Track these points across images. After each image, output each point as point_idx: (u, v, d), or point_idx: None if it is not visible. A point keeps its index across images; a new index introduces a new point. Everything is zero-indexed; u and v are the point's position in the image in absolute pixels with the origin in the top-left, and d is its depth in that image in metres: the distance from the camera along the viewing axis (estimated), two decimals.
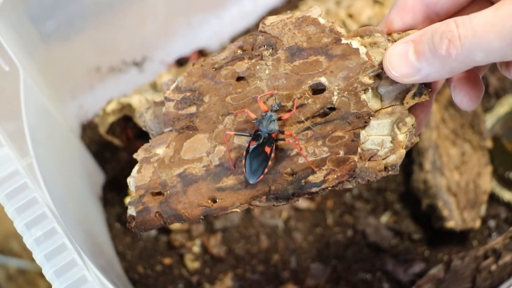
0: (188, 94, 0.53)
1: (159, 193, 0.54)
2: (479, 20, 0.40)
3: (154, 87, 0.86)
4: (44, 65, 0.77)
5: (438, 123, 0.85)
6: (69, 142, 0.83)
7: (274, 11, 1.00)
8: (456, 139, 0.86)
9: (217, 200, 0.52)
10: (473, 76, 0.49)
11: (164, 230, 0.86)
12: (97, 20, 0.84)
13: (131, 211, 0.54)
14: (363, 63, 0.49)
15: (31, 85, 0.66)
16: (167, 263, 0.84)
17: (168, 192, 0.53)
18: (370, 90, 0.49)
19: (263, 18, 0.57)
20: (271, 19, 0.52)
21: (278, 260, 0.83)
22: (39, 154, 0.59)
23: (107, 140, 0.87)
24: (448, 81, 0.50)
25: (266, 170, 0.49)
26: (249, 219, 0.86)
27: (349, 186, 0.50)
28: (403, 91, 0.49)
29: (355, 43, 0.49)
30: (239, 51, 0.53)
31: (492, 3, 0.44)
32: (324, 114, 0.50)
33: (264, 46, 0.51)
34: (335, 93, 0.49)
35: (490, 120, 0.90)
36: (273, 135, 0.49)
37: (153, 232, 0.86)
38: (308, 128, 0.50)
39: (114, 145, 0.87)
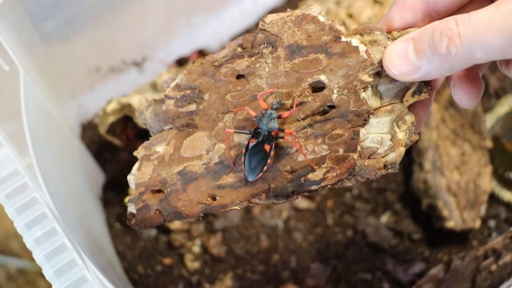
0: (188, 92, 0.53)
1: (159, 191, 0.54)
2: (479, 18, 0.40)
3: (154, 87, 0.86)
4: (44, 65, 0.77)
5: (438, 123, 0.85)
6: (69, 142, 0.83)
7: (274, 11, 1.00)
8: (456, 139, 0.86)
9: (217, 197, 0.52)
10: (473, 74, 0.49)
11: (164, 230, 0.86)
12: (97, 20, 0.84)
13: (131, 208, 0.54)
14: (362, 61, 0.48)
15: (31, 85, 0.66)
16: (167, 263, 0.84)
17: (168, 189, 0.53)
18: (369, 88, 0.49)
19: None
20: (271, 17, 0.52)
21: (278, 260, 0.83)
22: (39, 154, 0.59)
23: (107, 140, 0.87)
24: (448, 79, 0.50)
25: (265, 168, 0.49)
26: (249, 219, 0.86)
27: (348, 184, 0.49)
28: (403, 89, 0.49)
29: (355, 41, 0.49)
30: (239, 49, 0.53)
31: (492, 1, 0.44)
32: (324, 112, 0.50)
33: (264, 44, 0.51)
34: (335, 91, 0.49)
35: (490, 120, 0.90)
36: (273, 133, 0.49)
37: (153, 232, 0.86)
38: (306, 127, 0.50)
39: (114, 145, 0.87)
